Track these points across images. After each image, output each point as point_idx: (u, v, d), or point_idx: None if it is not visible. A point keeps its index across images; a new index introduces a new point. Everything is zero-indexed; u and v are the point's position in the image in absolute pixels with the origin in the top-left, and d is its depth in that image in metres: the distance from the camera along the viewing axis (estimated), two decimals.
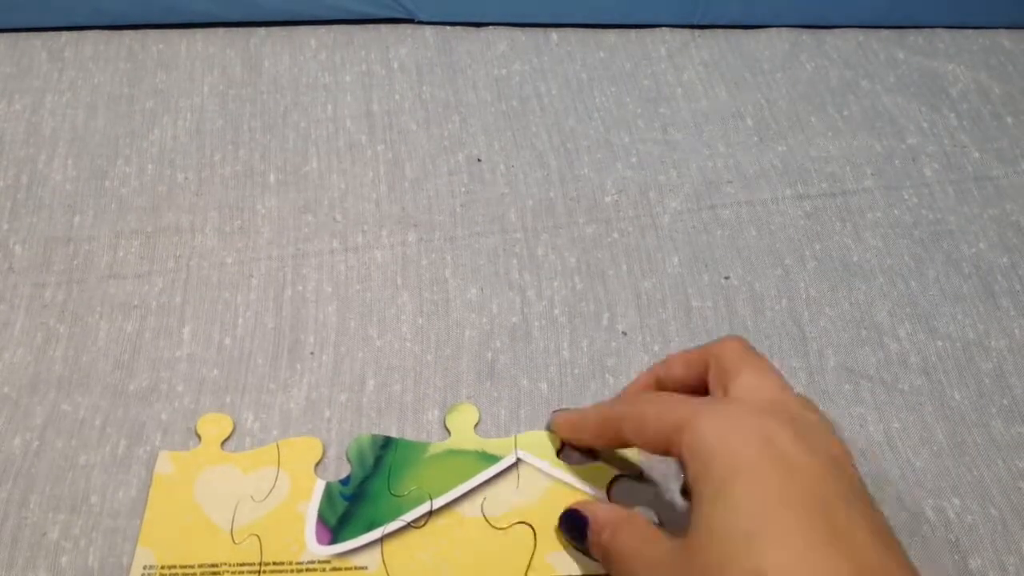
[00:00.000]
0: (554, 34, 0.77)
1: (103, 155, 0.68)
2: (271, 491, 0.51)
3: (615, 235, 0.64)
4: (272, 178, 0.67)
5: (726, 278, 0.62)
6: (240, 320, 0.59)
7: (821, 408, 0.56)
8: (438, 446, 0.54)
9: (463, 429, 0.55)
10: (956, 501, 0.52)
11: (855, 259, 0.63)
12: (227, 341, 0.58)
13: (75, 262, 0.62)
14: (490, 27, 0.77)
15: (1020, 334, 0.60)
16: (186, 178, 0.67)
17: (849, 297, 0.61)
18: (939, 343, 0.59)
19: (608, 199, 0.66)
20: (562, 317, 0.60)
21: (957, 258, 0.63)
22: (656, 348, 0.59)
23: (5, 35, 0.75)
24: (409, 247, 0.63)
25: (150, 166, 0.68)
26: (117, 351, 0.58)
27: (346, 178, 0.67)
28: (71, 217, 0.64)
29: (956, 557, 0.50)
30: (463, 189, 0.67)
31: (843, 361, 0.58)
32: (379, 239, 0.64)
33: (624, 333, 0.59)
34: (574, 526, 0.49)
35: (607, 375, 0.57)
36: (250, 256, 0.63)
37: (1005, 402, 0.56)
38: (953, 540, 0.51)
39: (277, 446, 0.53)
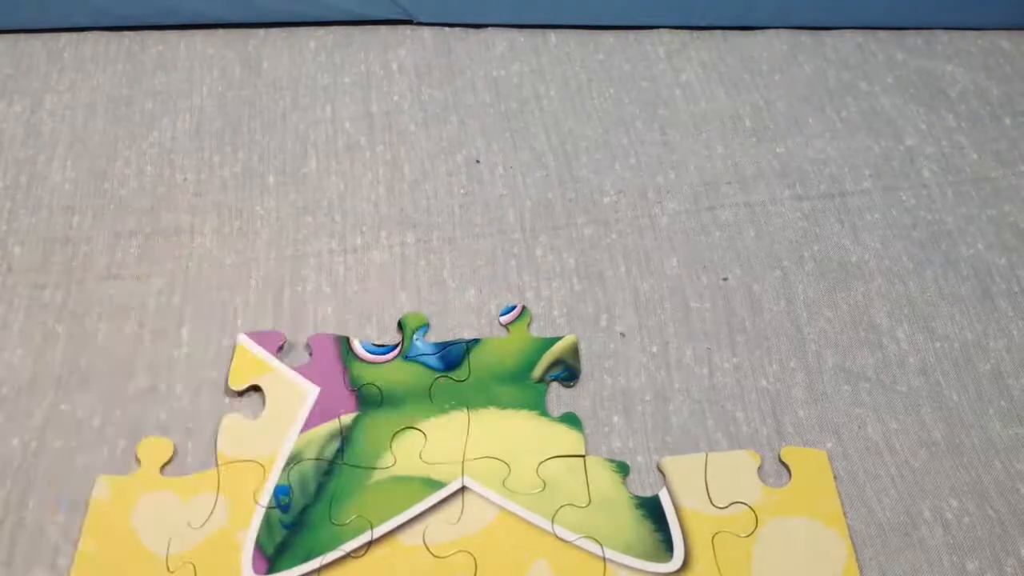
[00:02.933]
0: (553, 35, 0.77)
1: (102, 156, 0.68)
2: (209, 517, 0.50)
3: (613, 236, 0.64)
4: (271, 179, 0.67)
5: (724, 279, 0.62)
6: (239, 321, 0.59)
7: (818, 409, 0.56)
8: (382, 472, 0.52)
9: (408, 454, 0.53)
10: (954, 502, 0.52)
11: (853, 260, 0.63)
12: (225, 342, 0.58)
13: (74, 263, 0.62)
14: (489, 28, 0.77)
15: (1018, 335, 0.60)
16: (185, 179, 0.67)
17: (847, 298, 0.61)
18: (937, 344, 0.59)
19: (607, 200, 0.66)
20: (561, 318, 0.60)
21: (955, 259, 0.63)
22: (654, 349, 0.59)
23: (5, 36, 0.75)
24: (408, 248, 0.63)
25: (149, 167, 0.68)
26: (116, 351, 0.58)
27: (345, 179, 0.67)
28: (70, 218, 0.64)
29: (954, 558, 0.50)
30: (462, 190, 0.67)
31: (841, 362, 0.58)
32: (378, 240, 0.64)
33: (622, 334, 0.59)
34: None
35: (605, 376, 0.57)
36: (249, 257, 0.63)
37: (1003, 403, 0.56)
38: (951, 542, 0.51)
39: (218, 471, 0.52)
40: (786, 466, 0.53)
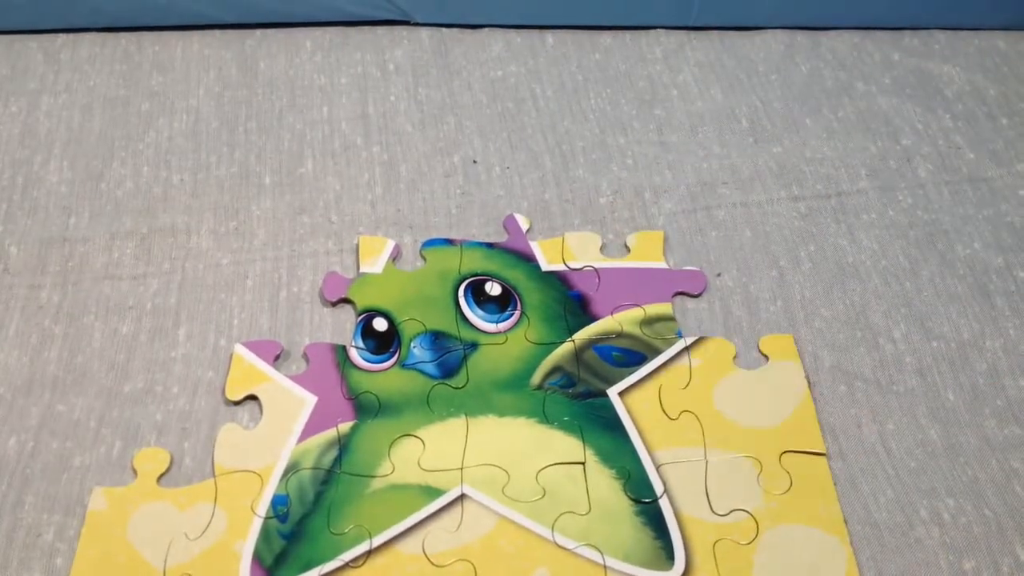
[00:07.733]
0: (549, 36, 0.77)
1: (99, 157, 0.68)
2: (206, 529, 0.50)
3: (610, 236, 0.64)
4: (267, 180, 0.67)
5: (718, 275, 0.62)
6: (235, 321, 0.59)
7: (817, 410, 0.56)
8: (381, 480, 0.52)
9: (407, 462, 0.52)
10: (950, 502, 0.52)
11: (850, 260, 0.63)
12: (222, 342, 0.58)
13: (70, 263, 0.62)
14: (486, 29, 0.77)
15: (1015, 334, 0.60)
16: (181, 180, 0.67)
17: (844, 298, 0.61)
18: (934, 343, 0.59)
19: (603, 200, 0.66)
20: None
21: (952, 259, 0.63)
22: None
23: (1, 37, 0.75)
24: (406, 249, 0.63)
25: (145, 168, 0.68)
26: (112, 352, 0.58)
27: (341, 180, 0.67)
28: (66, 219, 0.64)
29: (951, 558, 0.50)
30: (458, 191, 0.67)
31: (838, 362, 0.58)
32: None
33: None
34: None
35: None
36: (245, 257, 0.63)
37: (999, 403, 0.56)
38: (948, 541, 0.51)
39: (215, 481, 0.52)
40: (786, 472, 0.53)
